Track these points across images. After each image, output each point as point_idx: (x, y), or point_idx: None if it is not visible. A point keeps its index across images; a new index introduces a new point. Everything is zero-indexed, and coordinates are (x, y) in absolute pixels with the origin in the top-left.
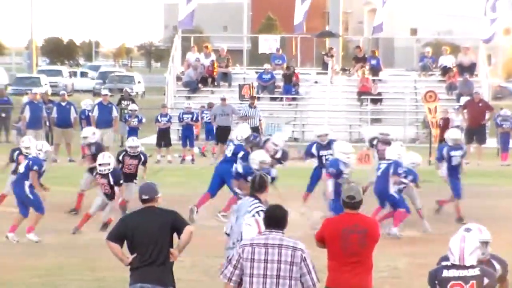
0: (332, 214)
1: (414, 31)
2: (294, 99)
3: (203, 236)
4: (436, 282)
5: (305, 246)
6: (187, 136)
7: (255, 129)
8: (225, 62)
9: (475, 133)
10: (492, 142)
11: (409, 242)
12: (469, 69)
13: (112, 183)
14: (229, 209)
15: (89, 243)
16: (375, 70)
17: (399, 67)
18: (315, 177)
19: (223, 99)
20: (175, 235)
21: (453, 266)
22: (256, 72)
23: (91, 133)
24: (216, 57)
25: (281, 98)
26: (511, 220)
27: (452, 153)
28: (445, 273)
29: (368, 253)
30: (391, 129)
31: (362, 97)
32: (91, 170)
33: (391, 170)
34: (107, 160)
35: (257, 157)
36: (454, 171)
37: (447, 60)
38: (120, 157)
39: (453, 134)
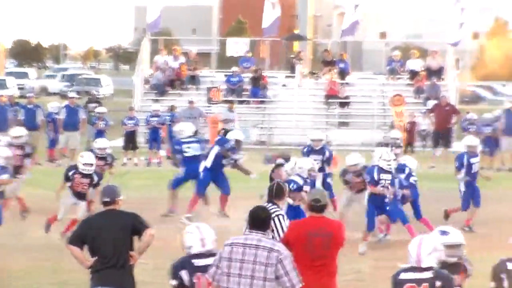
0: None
1: (383, 35)
2: (262, 102)
3: (166, 238)
4: (395, 284)
5: (285, 249)
6: (154, 139)
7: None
8: (193, 65)
9: (442, 136)
10: (458, 146)
11: (373, 246)
12: (437, 73)
13: (95, 182)
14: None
15: (53, 246)
16: (343, 74)
17: (367, 70)
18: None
19: (191, 102)
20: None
21: (411, 269)
22: (225, 75)
23: (24, 133)
24: (185, 59)
25: (249, 101)
26: (488, 223)
27: (472, 160)
28: (402, 276)
29: (333, 257)
30: (358, 133)
31: (330, 100)
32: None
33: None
34: (92, 160)
35: (306, 166)
36: (473, 179)
37: (415, 63)
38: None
39: (470, 141)
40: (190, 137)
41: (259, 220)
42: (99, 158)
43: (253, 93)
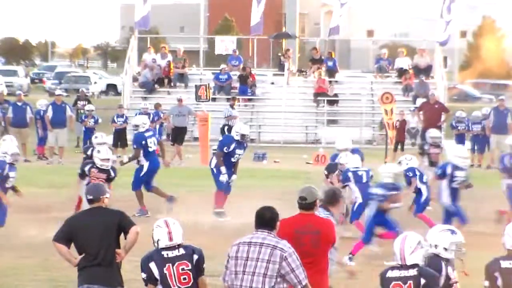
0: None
1: (370, 33)
2: (250, 100)
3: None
4: (382, 282)
5: (289, 246)
6: None
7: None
8: (181, 62)
9: None
10: (447, 144)
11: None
12: (425, 71)
13: (112, 176)
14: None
15: (45, 243)
16: (331, 72)
17: (355, 68)
18: None
19: (180, 100)
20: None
21: (397, 267)
22: (213, 73)
23: None
24: (172, 57)
25: (237, 99)
26: (483, 221)
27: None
28: (389, 274)
29: (322, 254)
30: (347, 130)
31: (319, 98)
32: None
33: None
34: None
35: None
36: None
37: (403, 62)
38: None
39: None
40: (148, 130)
41: (264, 219)
42: (100, 170)
43: (241, 91)
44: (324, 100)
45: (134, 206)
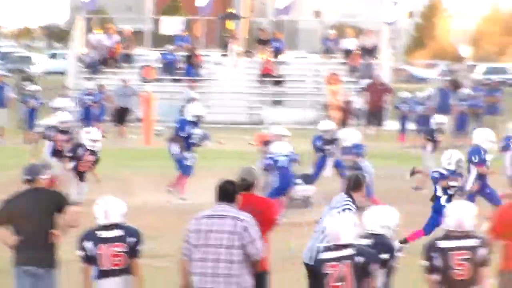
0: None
1: (318, 14)
2: (196, 81)
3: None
4: (315, 264)
5: (250, 217)
6: (86, 117)
7: None
8: (127, 43)
9: (375, 115)
10: (392, 125)
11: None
12: (371, 52)
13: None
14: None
15: None
16: (278, 53)
17: (302, 49)
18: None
19: (124, 81)
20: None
21: (331, 248)
22: (160, 53)
23: None
24: (119, 38)
25: (183, 79)
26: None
27: None
28: (323, 255)
29: (263, 234)
30: (292, 111)
31: (264, 79)
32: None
33: None
34: (99, 136)
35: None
36: None
37: (349, 42)
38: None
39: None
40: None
41: (226, 192)
42: (90, 151)
43: (187, 72)
44: (269, 81)
45: None
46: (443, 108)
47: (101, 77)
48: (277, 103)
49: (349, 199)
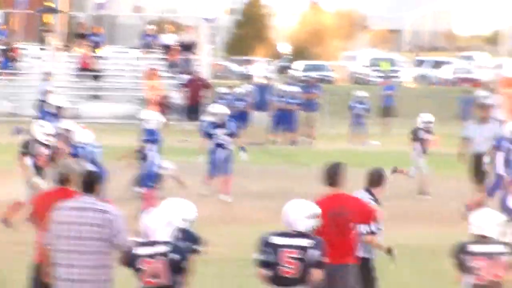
0: None
1: (138, 9)
2: (13, 74)
3: None
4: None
5: (115, 209)
6: None
7: None
8: None
9: (193, 110)
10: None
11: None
12: (190, 47)
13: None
14: None
15: None
16: (97, 47)
17: (122, 44)
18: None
19: None
20: None
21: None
22: None
23: None
24: None
25: (1, 73)
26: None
27: None
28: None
29: None
30: (110, 106)
31: (83, 73)
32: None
33: None
34: (52, 130)
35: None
36: None
37: (168, 38)
38: None
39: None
40: None
41: (89, 183)
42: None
43: (3, 65)
44: (88, 75)
45: None
46: (261, 105)
47: None
48: (95, 97)
49: (371, 197)
